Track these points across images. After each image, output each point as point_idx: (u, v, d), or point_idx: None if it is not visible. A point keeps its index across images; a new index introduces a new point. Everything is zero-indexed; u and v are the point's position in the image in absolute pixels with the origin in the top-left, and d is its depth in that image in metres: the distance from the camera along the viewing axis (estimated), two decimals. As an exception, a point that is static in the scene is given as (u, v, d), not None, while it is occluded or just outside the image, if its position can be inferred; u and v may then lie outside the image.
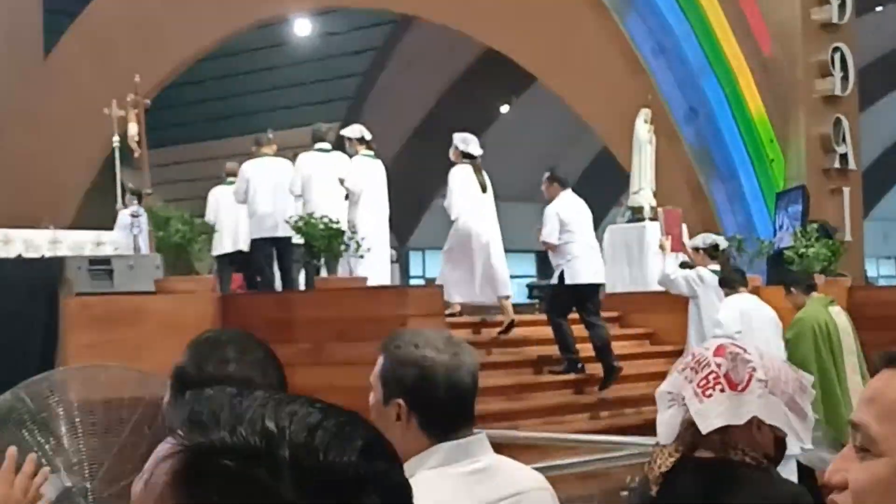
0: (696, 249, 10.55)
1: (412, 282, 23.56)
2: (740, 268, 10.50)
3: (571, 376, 10.77)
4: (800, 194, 14.56)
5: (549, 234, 10.66)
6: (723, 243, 10.72)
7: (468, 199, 10.88)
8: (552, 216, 10.69)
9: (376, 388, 2.66)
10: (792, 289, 9.67)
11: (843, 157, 15.84)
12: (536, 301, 20.00)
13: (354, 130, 11.50)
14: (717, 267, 10.25)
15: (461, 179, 10.95)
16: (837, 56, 15.79)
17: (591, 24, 15.84)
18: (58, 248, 13.36)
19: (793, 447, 8.05)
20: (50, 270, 8.62)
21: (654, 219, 13.77)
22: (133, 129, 13.15)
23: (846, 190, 15.78)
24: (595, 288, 10.82)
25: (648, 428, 9.46)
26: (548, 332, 11.00)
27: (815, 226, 13.23)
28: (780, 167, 15.71)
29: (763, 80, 15.74)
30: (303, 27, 23.37)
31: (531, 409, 10.27)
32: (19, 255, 12.92)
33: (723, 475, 2.74)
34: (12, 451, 2.50)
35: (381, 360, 2.67)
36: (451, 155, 11.18)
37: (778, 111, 15.73)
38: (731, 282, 9.56)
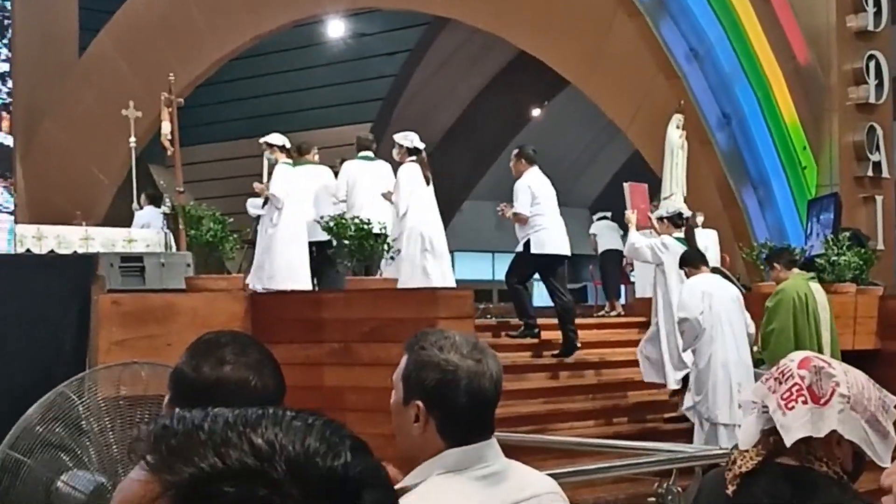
0: (661, 219, 10.84)
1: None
2: (699, 248, 10.76)
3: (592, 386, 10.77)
4: (832, 202, 14.49)
5: (523, 205, 11.02)
6: (686, 212, 10.99)
7: (415, 195, 11.20)
8: (524, 189, 11.07)
9: (397, 387, 2.64)
10: (775, 264, 10.13)
11: (877, 165, 15.75)
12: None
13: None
14: (681, 235, 10.58)
15: (409, 176, 11.24)
16: (872, 64, 15.71)
17: (625, 29, 15.81)
18: (90, 245, 13.43)
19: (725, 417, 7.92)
20: (83, 267, 8.66)
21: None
22: (166, 127, 13.21)
23: (879, 198, 15.69)
24: (560, 259, 11.18)
25: (672, 435, 9.42)
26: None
27: (847, 234, 13.16)
28: (812, 174, 15.64)
29: (797, 86, 15.67)
30: (336, 28, 23.42)
31: (557, 412, 10.29)
32: (52, 251, 13.00)
33: (805, 483, 2.72)
34: None
35: (404, 360, 2.65)
36: (396, 155, 11.48)
37: (811, 118, 15.66)
38: (691, 261, 9.71)
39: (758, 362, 9.62)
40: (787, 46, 15.70)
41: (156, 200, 14.94)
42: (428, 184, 11.28)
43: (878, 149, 15.74)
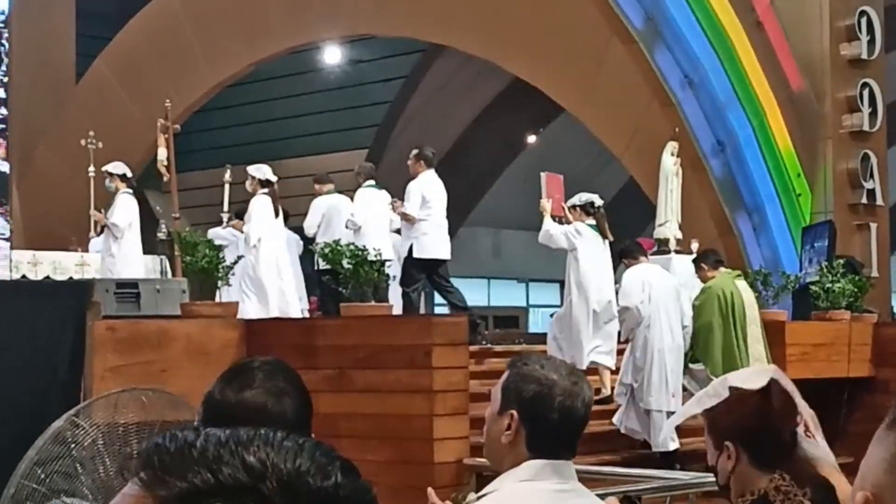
0: (574, 207, 11.24)
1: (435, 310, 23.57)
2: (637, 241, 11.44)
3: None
4: (826, 229, 14.52)
5: (412, 207, 11.54)
6: (598, 201, 11.33)
7: (266, 226, 11.81)
8: (416, 191, 11.59)
9: (495, 397, 2.80)
10: (703, 264, 10.65)
11: (871, 192, 15.79)
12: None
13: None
14: (592, 222, 11.00)
15: (261, 208, 11.86)
16: (866, 92, 15.76)
17: (619, 56, 15.87)
18: (85, 271, 13.46)
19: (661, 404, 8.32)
20: (78, 293, 8.68)
21: (679, 251, 13.77)
22: (162, 153, 13.26)
23: (873, 226, 15.72)
24: (441, 262, 11.80)
25: (694, 458, 9.40)
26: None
27: (841, 261, 13.18)
28: (806, 202, 15.68)
29: (791, 114, 15.73)
30: (333, 54, 23.50)
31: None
32: (47, 277, 13.03)
33: None
34: None
35: (506, 374, 2.82)
36: (249, 187, 12.12)
37: (805, 145, 15.72)
38: (632, 252, 10.37)
39: (693, 359, 10.15)
40: (781, 74, 15.76)
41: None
42: (277, 215, 11.91)
43: (872, 176, 15.78)
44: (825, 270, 12.84)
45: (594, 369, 10.46)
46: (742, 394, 2.78)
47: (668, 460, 9.57)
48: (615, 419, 10.04)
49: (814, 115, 15.73)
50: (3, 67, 16.00)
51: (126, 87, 20.02)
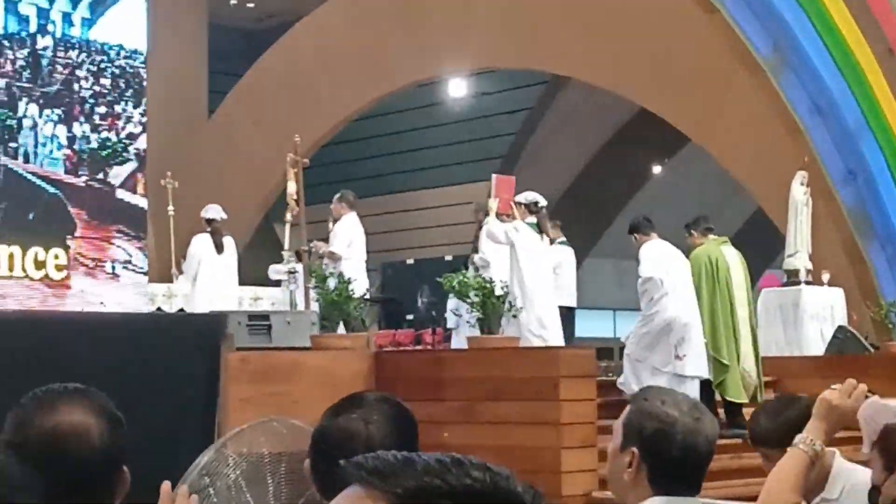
0: (518, 204, 11.70)
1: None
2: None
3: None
4: (963, 259, 14.17)
5: (339, 246, 12.31)
6: (542, 202, 11.76)
7: (205, 262, 12.88)
8: (343, 232, 12.44)
9: (617, 433, 2.80)
10: (692, 230, 10.77)
11: None
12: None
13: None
14: (533, 220, 11.52)
15: (201, 246, 13.00)
16: None
17: (746, 84, 15.72)
18: (260, 305, 13.76)
19: (698, 370, 8.70)
20: (212, 325, 8.87)
21: (810, 282, 13.56)
22: (291, 187, 13.48)
23: None
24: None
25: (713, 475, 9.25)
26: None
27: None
28: (942, 231, 15.31)
29: (924, 142, 15.40)
30: (457, 87, 23.68)
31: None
32: (181, 309, 13.33)
33: None
34: (166, 486, 2.60)
35: (627, 409, 2.82)
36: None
37: (940, 174, 15.36)
38: (641, 228, 10.50)
39: None
40: (913, 101, 15.45)
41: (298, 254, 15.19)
42: (220, 252, 12.88)
43: None
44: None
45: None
46: None
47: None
48: (620, 380, 10.27)
49: (948, 142, 15.37)
50: (143, 106, 16.47)
51: (256, 123, 20.44)
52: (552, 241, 12.42)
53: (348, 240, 12.29)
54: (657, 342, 9.98)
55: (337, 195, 12.95)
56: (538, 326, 11.03)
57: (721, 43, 15.82)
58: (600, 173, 23.91)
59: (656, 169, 25.60)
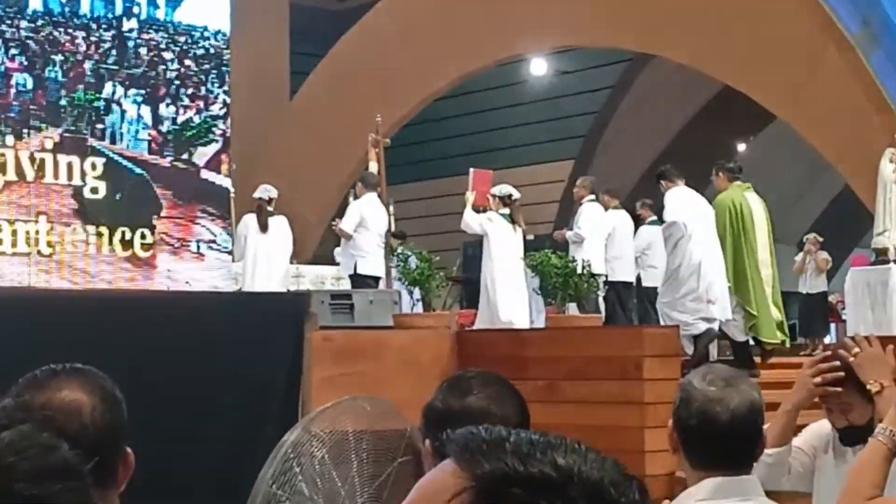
0: (493, 196, 12.33)
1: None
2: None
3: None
4: None
5: (347, 224, 12.57)
6: (516, 194, 12.33)
7: (251, 241, 13.28)
8: (355, 211, 12.59)
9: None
10: (720, 173, 11.02)
11: None
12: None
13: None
14: (506, 211, 12.09)
15: (246, 225, 13.40)
16: None
17: (834, 61, 15.46)
18: (301, 283, 13.84)
19: (725, 313, 8.77)
20: (296, 305, 8.94)
21: (900, 261, 13.32)
22: (373, 167, 13.54)
23: None
24: (378, 278, 12.45)
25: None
26: (781, 375, 10.80)
27: None
28: None
29: None
30: (538, 66, 23.56)
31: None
32: (239, 289, 13.45)
33: None
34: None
35: None
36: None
37: None
38: (669, 175, 11.10)
39: None
40: None
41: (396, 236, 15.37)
42: (264, 231, 13.07)
43: None
44: None
45: None
46: None
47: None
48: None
49: None
50: (226, 86, 16.60)
51: (338, 103, 20.51)
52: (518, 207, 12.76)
53: (357, 218, 12.56)
54: (688, 287, 10.32)
55: (360, 175, 13.36)
56: (506, 312, 11.37)
57: (808, 19, 15.56)
58: (683, 151, 23.65)
59: (741, 147, 25.29)
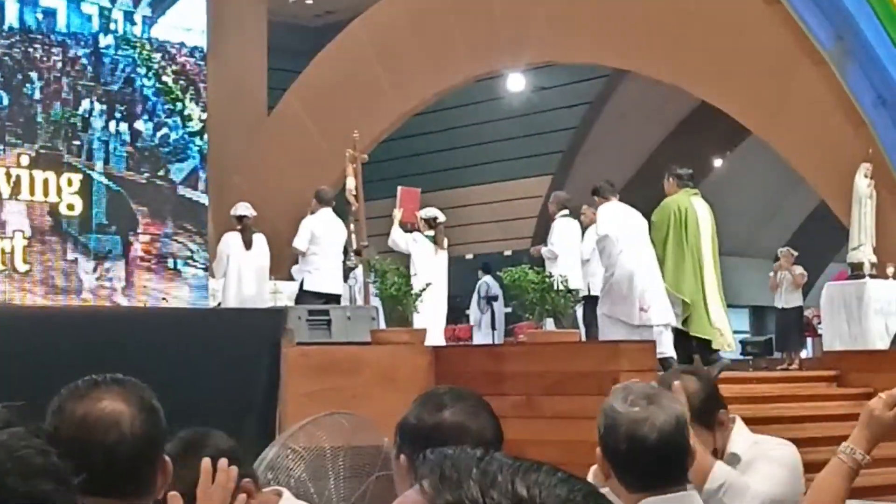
0: (420, 218, 13.04)
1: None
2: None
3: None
4: None
5: (299, 242, 12.77)
6: (441, 217, 13.04)
7: (234, 259, 13.22)
8: (306, 228, 12.84)
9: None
10: (670, 177, 11.34)
11: None
12: (750, 357, 19.60)
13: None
14: (431, 233, 12.79)
15: (230, 243, 13.28)
16: None
17: (809, 76, 15.55)
18: (278, 299, 13.83)
19: (668, 317, 8.87)
20: (272, 321, 8.92)
21: (874, 276, 13.40)
22: (351, 182, 13.54)
23: None
24: (335, 297, 12.70)
25: (878, 490, 9.19)
26: (758, 389, 10.85)
27: None
28: None
29: None
30: (516, 82, 23.63)
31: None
32: (219, 304, 13.43)
33: None
34: (206, 463, 2.62)
35: None
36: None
37: None
38: (604, 191, 11.38)
39: None
40: (980, 91, 15.19)
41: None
42: (248, 248, 13.06)
43: None
44: None
45: None
46: None
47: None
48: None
49: None
50: (203, 104, 16.59)
51: (315, 119, 20.51)
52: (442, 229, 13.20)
53: (308, 234, 12.73)
54: (622, 296, 10.54)
55: (316, 191, 13.53)
56: (432, 315, 11.66)
57: (783, 34, 15.65)
58: (661, 167, 23.73)
59: (717, 162, 25.41)
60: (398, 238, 12.94)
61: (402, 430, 2.59)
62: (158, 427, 2.32)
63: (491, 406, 2.62)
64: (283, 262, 19.10)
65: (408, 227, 13.27)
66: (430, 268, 12.30)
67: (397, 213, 13.38)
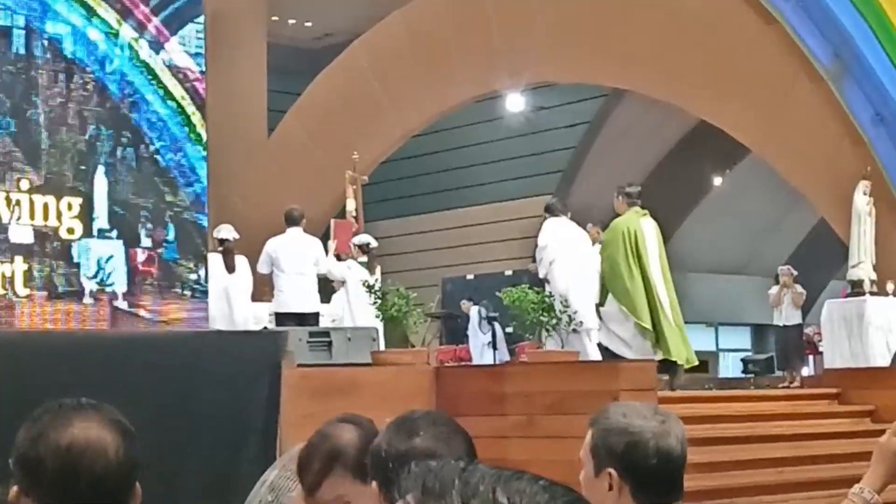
0: (354, 245, 13.68)
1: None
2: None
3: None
4: None
5: (259, 265, 12.96)
6: (373, 243, 13.72)
7: (216, 281, 13.75)
8: (264, 251, 12.93)
9: (586, 461, 2.75)
10: (620, 196, 11.53)
11: None
12: (751, 376, 19.59)
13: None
14: (365, 259, 13.43)
15: (211, 266, 13.85)
16: None
17: (807, 94, 15.60)
18: (258, 321, 13.82)
19: (590, 323, 10.35)
20: (273, 342, 8.93)
21: (874, 293, 13.41)
22: (351, 204, 13.62)
23: None
24: (311, 315, 12.58)
25: None
26: (760, 407, 10.85)
27: None
28: None
29: None
30: (515, 102, 23.67)
31: (744, 486, 10.08)
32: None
33: None
34: None
35: (589, 434, 2.76)
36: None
37: None
38: (554, 209, 11.93)
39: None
40: (978, 108, 15.24)
41: None
42: (231, 272, 13.24)
43: None
44: None
45: None
46: None
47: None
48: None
49: None
50: (204, 127, 16.64)
51: (315, 140, 20.56)
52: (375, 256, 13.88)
53: (266, 257, 12.78)
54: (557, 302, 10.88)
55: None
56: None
57: (781, 53, 15.71)
58: (660, 186, 23.76)
59: (717, 180, 25.44)
60: (334, 268, 13.37)
61: (373, 456, 2.57)
62: (136, 453, 2.31)
63: (468, 432, 2.61)
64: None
65: (342, 257, 13.78)
66: (363, 293, 12.14)
67: (331, 245, 13.89)
